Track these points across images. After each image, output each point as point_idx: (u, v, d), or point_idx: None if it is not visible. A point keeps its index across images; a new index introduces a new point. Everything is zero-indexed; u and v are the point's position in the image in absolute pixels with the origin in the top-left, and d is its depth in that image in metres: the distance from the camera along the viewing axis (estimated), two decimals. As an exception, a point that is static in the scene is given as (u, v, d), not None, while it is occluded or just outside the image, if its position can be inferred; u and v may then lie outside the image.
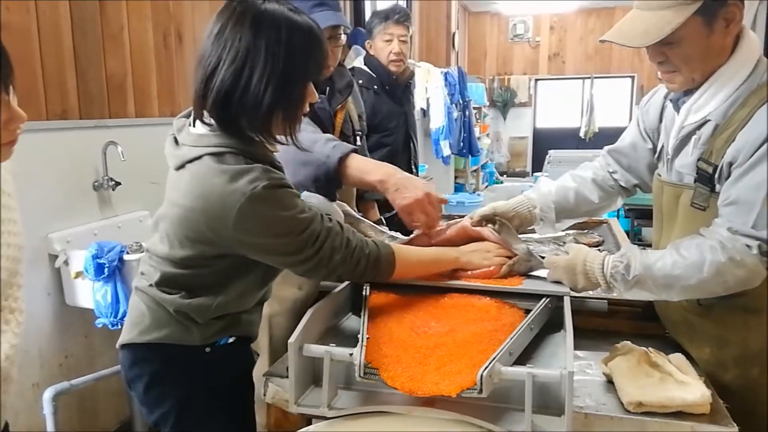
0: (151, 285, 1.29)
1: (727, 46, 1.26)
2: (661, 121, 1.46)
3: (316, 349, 1.11)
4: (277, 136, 1.24)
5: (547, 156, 7.04)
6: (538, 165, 9.22)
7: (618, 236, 2.27)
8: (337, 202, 1.53)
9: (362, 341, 1.11)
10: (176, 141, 1.26)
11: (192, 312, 1.26)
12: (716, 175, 1.26)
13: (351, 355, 1.08)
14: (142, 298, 1.31)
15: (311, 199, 1.52)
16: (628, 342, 1.31)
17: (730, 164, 1.23)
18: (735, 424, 1.09)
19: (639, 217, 4.15)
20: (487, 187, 8.40)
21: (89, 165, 2.24)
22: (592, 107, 9.91)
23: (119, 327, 1.85)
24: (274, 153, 1.28)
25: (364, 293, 1.34)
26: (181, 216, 1.21)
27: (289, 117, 1.22)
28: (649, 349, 1.27)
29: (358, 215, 1.54)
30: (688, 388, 1.15)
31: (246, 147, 1.20)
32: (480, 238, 1.50)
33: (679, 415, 1.12)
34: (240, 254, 1.21)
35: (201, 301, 1.26)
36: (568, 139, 9.81)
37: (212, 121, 1.21)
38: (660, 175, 1.45)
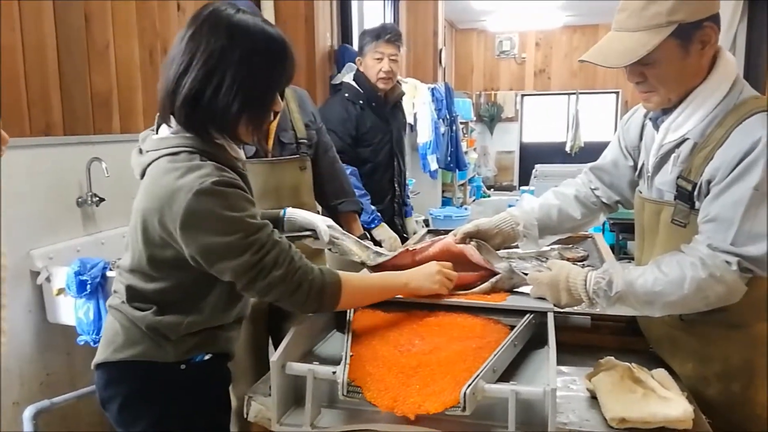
0: (123, 302, 1.28)
1: (703, 66, 1.28)
2: (641, 139, 1.48)
3: (299, 368, 1.11)
4: (243, 138, 1.26)
5: (534, 170, 7.10)
6: (524, 179, 9.28)
7: (602, 251, 2.27)
8: (322, 217, 1.53)
9: (345, 359, 1.11)
10: (141, 151, 1.27)
11: (165, 328, 1.25)
12: (695, 193, 1.27)
13: (334, 373, 1.08)
14: (115, 317, 1.30)
15: (296, 213, 1.52)
16: (612, 357, 1.32)
17: (709, 182, 1.25)
18: (716, 441, 1.09)
19: (624, 231, 4.19)
20: (474, 200, 8.43)
21: (73, 181, 2.22)
22: (577, 122, 10.01)
23: (102, 345, 1.82)
24: (239, 161, 1.29)
25: (348, 311, 1.34)
26: (139, 220, 1.21)
27: (255, 122, 1.25)
28: (632, 364, 1.28)
29: (342, 231, 1.54)
30: (671, 404, 1.16)
31: (205, 147, 1.21)
32: (463, 256, 1.50)
33: (662, 430, 1.12)
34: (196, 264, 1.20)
35: (171, 319, 1.25)
36: (554, 153, 9.88)
37: (176, 125, 1.22)
38: (641, 192, 1.47)
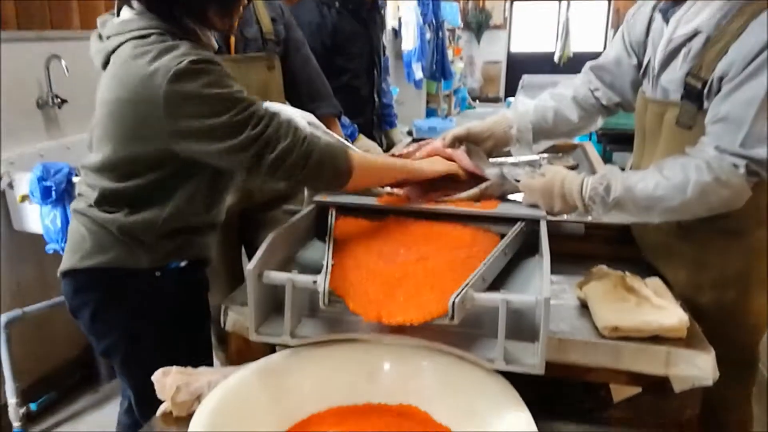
0: (90, 205, 1.18)
1: None
2: (648, 34, 1.37)
3: (277, 277, 1.03)
4: (214, 23, 1.15)
5: (521, 80, 6.91)
6: (511, 90, 9.08)
7: (593, 160, 2.21)
8: (302, 112, 1.40)
9: (327, 268, 1.04)
10: (101, 37, 1.14)
11: (138, 230, 1.16)
12: (705, 91, 1.18)
13: (315, 282, 1.01)
14: (81, 221, 1.21)
15: (272, 108, 1.39)
16: (604, 266, 1.27)
17: (721, 79, 1.15)
18: (711, 348, 1.06)
19: (612, 142, 4.10)
20: (459, 112, 8.27)
21: (31, 81, 2.07)
22: (567, 31, 9.69)
23: (72, 253, 1.75)
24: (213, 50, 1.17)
25: (329, 218, 1.26)
26: (109, 113, 1.10)
27: (226, 6, 1.14)
28: (626, 272, 1.23)
29: (326, 130, 1.42)
30: (665, 312, 1.12)
31: (175, 30, 1.09)
32: (451, 161, 1.41)
33: (655, 339, 1.09)
34: (178, 158, 1.10)
35: (146, 216, 1.15)
36: (542, 63, 9.62)
37: (140, 6, 1.10)
38: (644, 92, 1.37)
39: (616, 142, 4.07)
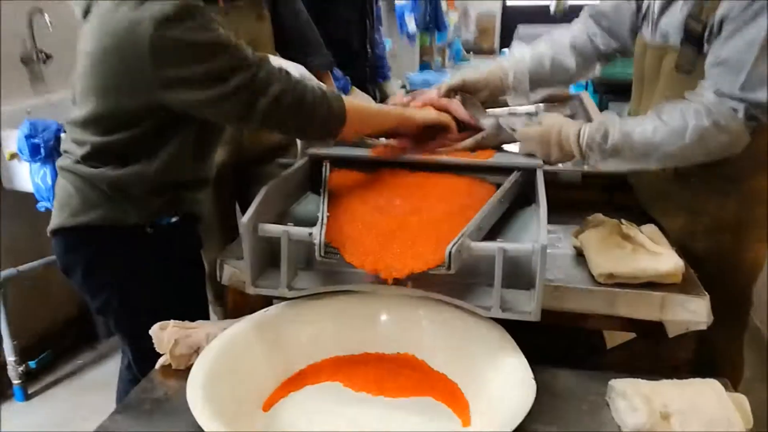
0: (77, 162, 1.15)
1: None
2: (647, -23, 1.33)
3: (272, 229, 1.02)
4: None
5: (516, 31, 6.78)
6: (506, 42, 8.90)
7: (590, 110, 2.18)
8: (295, 64, 1.37)
9: (322, 219, 1.03)
10: None
11: (126, 185, 1.14)
12: (705, 34, 1.16)
13: (311, 234, 1.00)
14: (67, 179, 1.18)
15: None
16: (599, 214, 1.27)
17: (721, 21, 1.13)
18: (706, 293, 1.07)
19: (608, 92, 4.04)
20: (453, 65, 8.14)
21: (14, 35, 2.01)
22: (563, -20, 9.47)
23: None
24: None
25: (324, 171, 1.24)
26: (92, 64, 1.06)
27: None
28: (621, 220, 1.23)
29: (319, 82, 1.38)
30: (661, 258, 1.12)
31: None
32: (447, 112, 1.38)
33: (650, 285, 1.09)
34: (165, 110, 1.07)
35: (134, 170, 1.13)
36: (537, 15, 9.40)
37: None
38: (643, 38, 1.34)
39: (613, 91, 4.01)
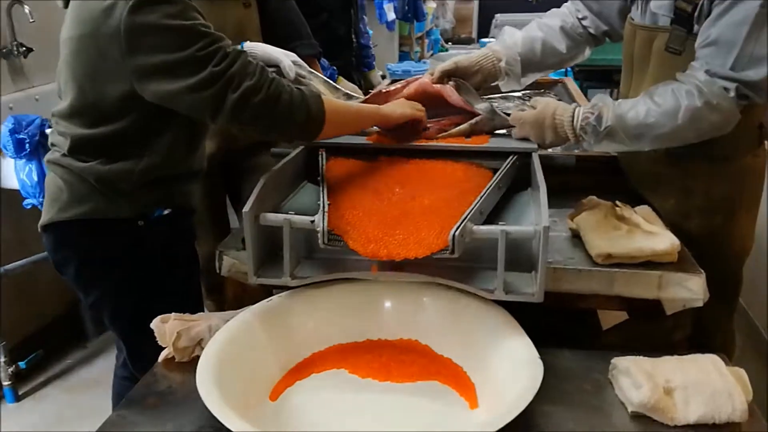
0: (64, 155, 1.14)
1: None
2: (635, -41, 1.34)
3: (273, 218, 1.02)
4: None
5: (494, 19, 6.78)
6: (484, 31, 8.92)
7: (575, 95, 2.20)
8: (286, 52, 1.36)
9: (324, 207, 1.02)
10: None
11: (115, 179, 1.13)
12: (695, 14, 1.17)
13: (312, 222, 1.00)
14: (56, 172, 1.16)
15: (256, 48, 1.34)
16: (594, 197, 1.28)
17: (711, 2, 1.14)
18: (702, 271, 1.09)
19: (588, 79, 4.08)
20: (432, 55, 8.12)
21: (-8, 29, 1.96)
22: (539, -33, 9.50)
23: (51, 208, 1.70)
24: None
25: (320, 159, 1.24)
26: (72, 52, 1.05)
27: None
28: (616, 201, 1.24)
29: (310, 69, 1.38)
30: (657, 238, 1.14)
31: None
32: (440, 97, 1.39)
33: (648, 265, 1.11)
34: (146, 104, 1.06)
35: (123, 165, 1.12)
36: (515, 3, 9.44)
37: None
38: (633, 20, 1.35)
39: (593, 78, 4.06)
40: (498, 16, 6.91)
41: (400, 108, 1.28)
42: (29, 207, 1.83)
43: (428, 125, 1.34)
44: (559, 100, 2.07)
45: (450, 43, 9.73)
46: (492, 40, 6.16)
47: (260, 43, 1.35)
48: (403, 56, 7.25)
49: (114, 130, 1.10)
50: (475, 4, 10.22)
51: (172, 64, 1.00)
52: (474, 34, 10.13)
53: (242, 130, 1.11)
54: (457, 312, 1.03)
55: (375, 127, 1.33)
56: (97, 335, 2.44)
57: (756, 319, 2.37)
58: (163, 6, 0.98)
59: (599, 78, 4.02)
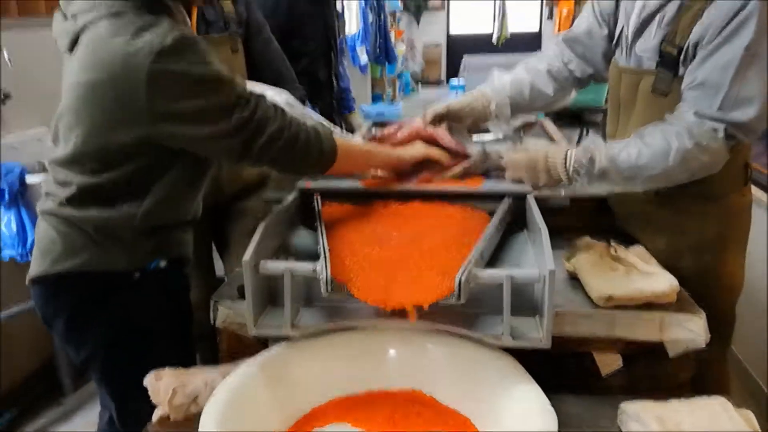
0: (61, 204, 1.10)
1: None
2: (618, 4, 1.38)
3: (274, 266, 0.99)
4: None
5: (462, 61, 6.93)
6: (453, 72, 9.11)
7: (553, 136, 2.23)
8: (280, 89, 1.36)
9: (325, 254, 1.00)
10: (66, 16, 1.05)
11: (115, 227, 1.09)
12: (681, 58, 1.20)
13: (314, 270, 0.98)
14: (50, 223, 1.12)
15: (253, 88, 1.33)
16: (587, 237, 1.28)
17: (696, 44, 1.18)
18: (702, 311, 1.09)
19: (559, 119, 4.16)
20: (403, 96, 8.24)
21: (-32, 76, 1.91)
22: (503, 12, 9.79)
23: (29, 258, 1.64)
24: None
25: (316, 204, 1.22)
26: (80, 97, 1.02)
27: None
28: (611, 242, 1.25)
29: (303, 108, 1.37)
30: (655, 278, 1.14)
31: (153, 4, 1.02)
32: (433, 141, 1.39)
33: (647, 306, 1.10)
34: (154, 148, 1.04)
35: (123, 212, 1.09)
36: (481, 45, 9.68)
37: None
38: (617, 63, 1.38)
39: (562, 119, 4.14)
40: (465, 57, 7.05)
41: (413, 149, 1.31)
42: (8, 259, 1.76)
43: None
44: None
45: (420, 84, 9.92)
46: (461, 80, 6.30)
47: (254, 82, 1.35)
48: (376, 97, 7.34)
49: (116, 177, 1.07)
50: (443, 47, 10.48)
51: (199, 112, 1.00)
52: (443, 76, 10.36)
53: (258, 165, 1.14)
54: (464, 359, 1.01)
55: (371, 171, 1.32)
56: (74, 391, 2.32)
57: (745, 360, 2.39)
58: (187, 54, 0.98)
59: (567, 118, 4.11)
